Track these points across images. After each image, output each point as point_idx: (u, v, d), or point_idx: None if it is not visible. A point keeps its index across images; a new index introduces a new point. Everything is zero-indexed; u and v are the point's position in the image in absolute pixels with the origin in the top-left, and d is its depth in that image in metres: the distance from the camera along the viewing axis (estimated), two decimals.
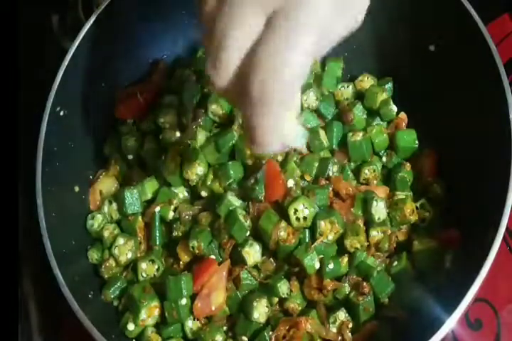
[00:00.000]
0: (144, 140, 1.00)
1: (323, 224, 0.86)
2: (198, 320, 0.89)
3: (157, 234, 0.93)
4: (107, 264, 0.93)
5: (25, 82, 0.87)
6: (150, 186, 0.96)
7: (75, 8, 1.20)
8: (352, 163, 0.96)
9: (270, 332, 0.84)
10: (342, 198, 0.91)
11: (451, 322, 0.72)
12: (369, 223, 0.89)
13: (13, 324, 0.73)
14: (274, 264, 0.89)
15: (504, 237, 0.77)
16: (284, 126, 0.57)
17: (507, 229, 0.75)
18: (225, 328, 0.89)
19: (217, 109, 0.98)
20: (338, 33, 0.57)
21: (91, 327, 0.79)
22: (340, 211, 0.88)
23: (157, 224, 0.93)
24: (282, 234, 0.86)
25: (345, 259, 0.88)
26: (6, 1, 0.78)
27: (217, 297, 0.86)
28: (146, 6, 1.03)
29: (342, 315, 0.86)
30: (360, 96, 1.02)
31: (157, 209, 0.94)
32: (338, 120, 0.99)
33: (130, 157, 1.00)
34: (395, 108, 0.99)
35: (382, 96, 0.99)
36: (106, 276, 0.93)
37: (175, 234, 0.92)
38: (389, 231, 0.89)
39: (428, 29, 0.95)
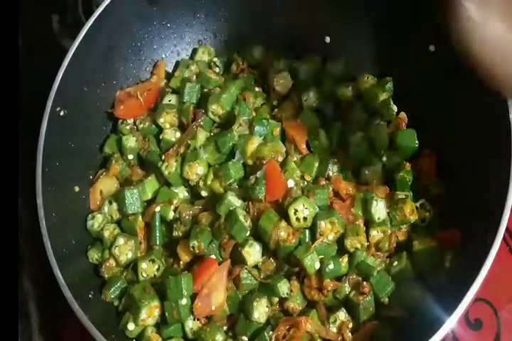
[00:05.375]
0: (144, 140, 1.01)
1: (323, 224, 0.86)
2: (198, 319, 0.89)
3: (157, 234, 0.93)
4: (107, 264, 0.93)
5: (25, 82, 0.87)
6: (150, 186, 0.96)
7: (75, 8, 1.21)
8: (352, 163, 0.96)
9: (270, 332, 0.84)
10: (342, 198, 0.91)
11: (451, 322, 0.72)
12: (369, 223, 0.89)
13: (13, 324, 0.73)
14: (274, 264, 0.90)
15: (504, 237, 0.77)
16: None
17: (507, 229, 0.75)
18: (225, 328, 0.89)
19: (217, 109, 0.98)
20: None
21: (91, 327, 0.79)
22: (340, 211, 0.89)
23: (157, 224, 0.93)
24: (282, 234, 0.86)
25: (345, 259, 0.88)
26: (7, 1, 0.78)
27: (217, 297, 0.86)
28: (146, 6, 1.03)
29: (342, 315, 0.86)
30: (360, 96, 1.02)
31: (157, 209, 0.94)
32: (338, 120, 0.99)
33: (130, 157, 1.00)
34: (395, 108, 0.99)
35: (382, 96, 0.99)
36: (106, 276, 0.94)
37: (175, 234, 0.92)
38: (389, 231, 0.89)
39: (428, 29, 0.94)
